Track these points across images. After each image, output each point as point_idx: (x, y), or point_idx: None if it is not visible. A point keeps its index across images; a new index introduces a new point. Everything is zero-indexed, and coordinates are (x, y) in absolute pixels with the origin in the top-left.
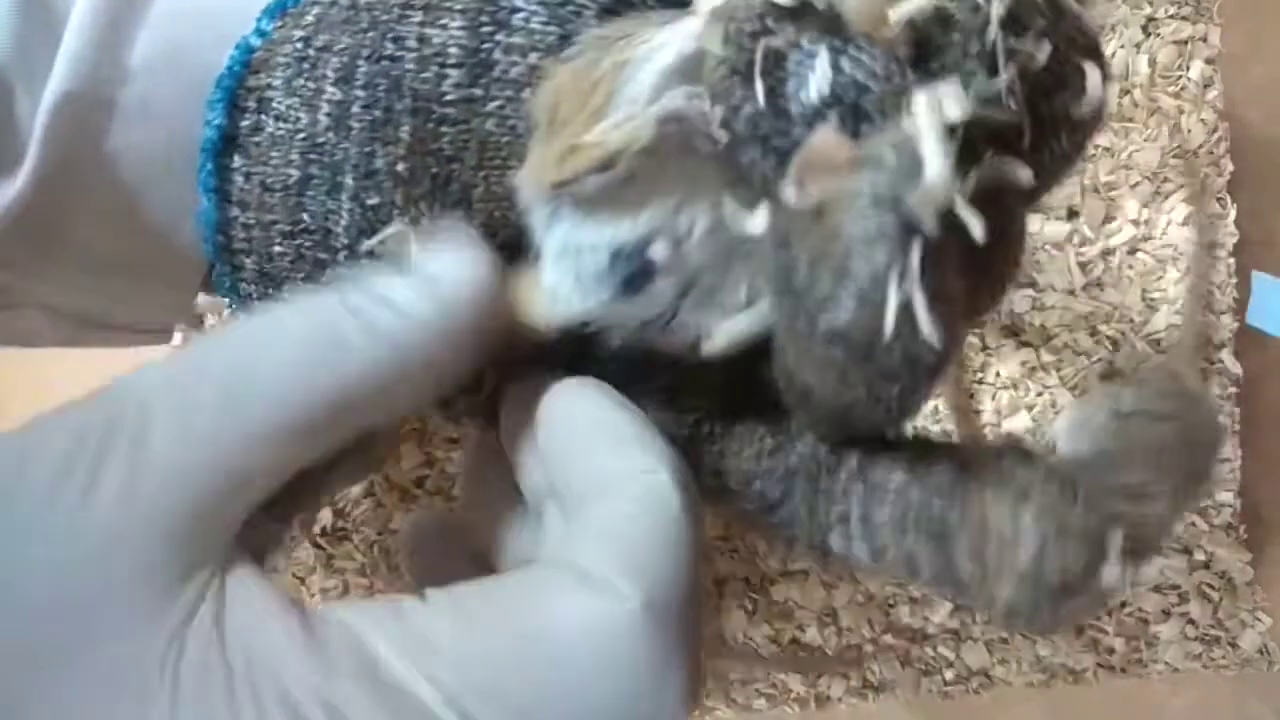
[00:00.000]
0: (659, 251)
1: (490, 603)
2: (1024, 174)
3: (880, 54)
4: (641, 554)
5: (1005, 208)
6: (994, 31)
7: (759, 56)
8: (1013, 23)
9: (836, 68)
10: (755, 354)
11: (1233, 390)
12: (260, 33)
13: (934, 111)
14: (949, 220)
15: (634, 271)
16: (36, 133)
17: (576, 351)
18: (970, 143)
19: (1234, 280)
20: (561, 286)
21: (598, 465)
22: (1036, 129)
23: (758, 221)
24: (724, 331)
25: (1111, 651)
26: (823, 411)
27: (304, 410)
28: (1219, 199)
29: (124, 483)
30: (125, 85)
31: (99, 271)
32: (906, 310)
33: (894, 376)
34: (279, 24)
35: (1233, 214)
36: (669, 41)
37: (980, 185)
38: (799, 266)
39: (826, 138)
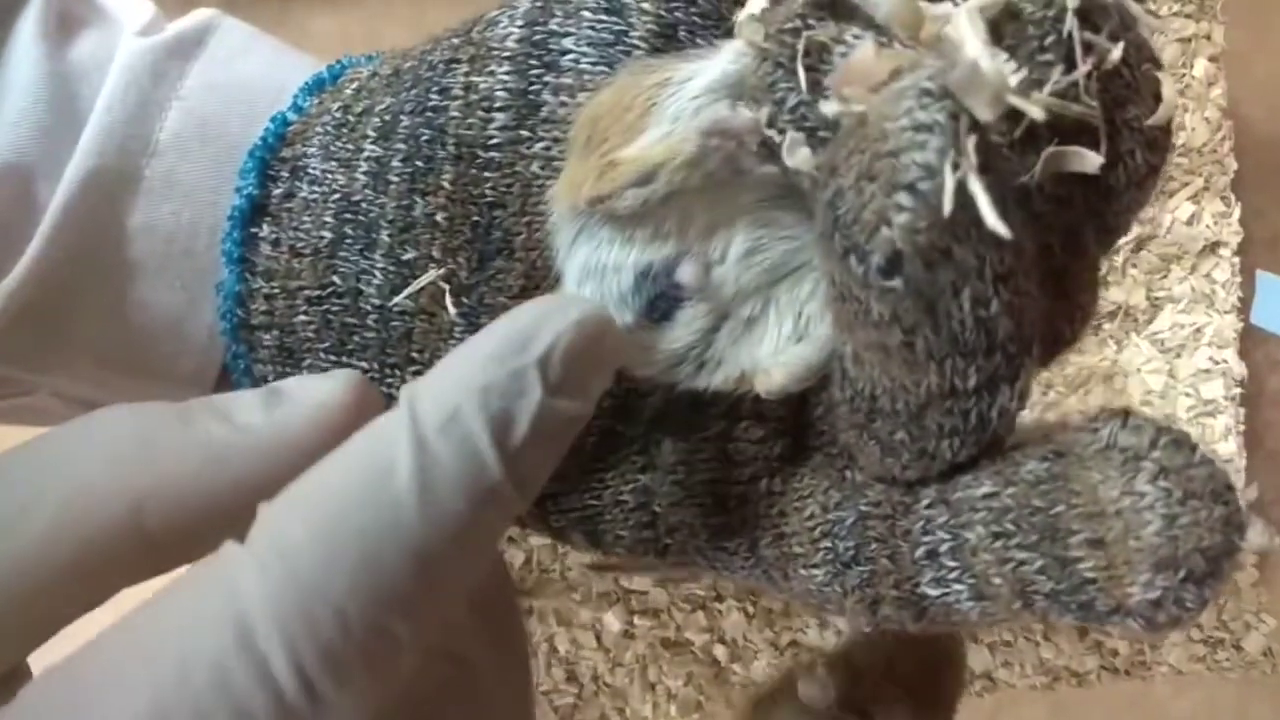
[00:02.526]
0: (687, 274)
1: None
2: (1093, 159)
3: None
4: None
5: (1081, 237)
6: (1070, 21)
7: (800, 48)
8: (1085, 20)
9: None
10: (805, 403)
11: (1237, 390)
12: (296, 108)
13: (974, 11)
14: (1027, 209)
15: (660, 294)
16: (51, 215)
17: (618, 405)
18: (1040, 135)
19: (1238, 279)
20: None
21: None
22: (1112, 140)
23: (801, 156)
24: (781, 365)
25: (1115, 654)
26: (895, 426)
27: (101, 514)
28: (1223, 197)
29: None
30: (153, 159)
31: (103, 369)
32: (967, 210)
33: (966, 347)
34: (316, 100)
35: (1237, 213)
36: (711, 62)
37: (1047, 172)
38: (845, 192)
39: (866, 51)
